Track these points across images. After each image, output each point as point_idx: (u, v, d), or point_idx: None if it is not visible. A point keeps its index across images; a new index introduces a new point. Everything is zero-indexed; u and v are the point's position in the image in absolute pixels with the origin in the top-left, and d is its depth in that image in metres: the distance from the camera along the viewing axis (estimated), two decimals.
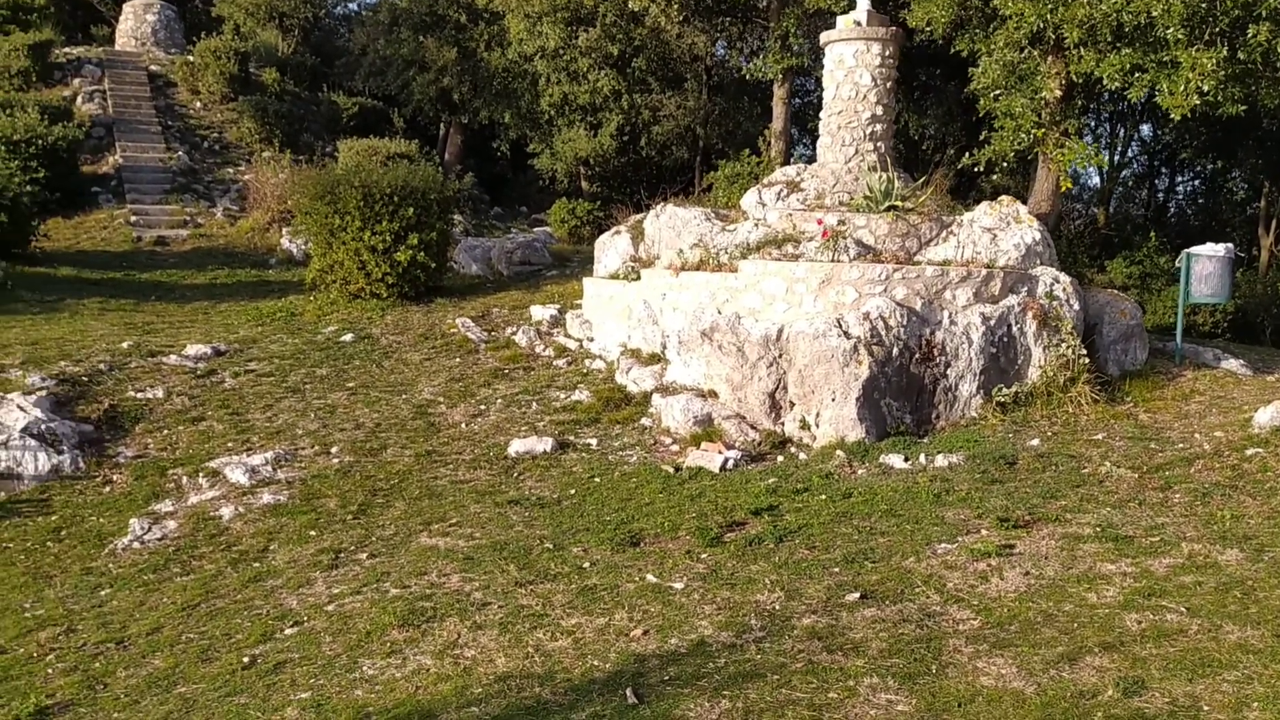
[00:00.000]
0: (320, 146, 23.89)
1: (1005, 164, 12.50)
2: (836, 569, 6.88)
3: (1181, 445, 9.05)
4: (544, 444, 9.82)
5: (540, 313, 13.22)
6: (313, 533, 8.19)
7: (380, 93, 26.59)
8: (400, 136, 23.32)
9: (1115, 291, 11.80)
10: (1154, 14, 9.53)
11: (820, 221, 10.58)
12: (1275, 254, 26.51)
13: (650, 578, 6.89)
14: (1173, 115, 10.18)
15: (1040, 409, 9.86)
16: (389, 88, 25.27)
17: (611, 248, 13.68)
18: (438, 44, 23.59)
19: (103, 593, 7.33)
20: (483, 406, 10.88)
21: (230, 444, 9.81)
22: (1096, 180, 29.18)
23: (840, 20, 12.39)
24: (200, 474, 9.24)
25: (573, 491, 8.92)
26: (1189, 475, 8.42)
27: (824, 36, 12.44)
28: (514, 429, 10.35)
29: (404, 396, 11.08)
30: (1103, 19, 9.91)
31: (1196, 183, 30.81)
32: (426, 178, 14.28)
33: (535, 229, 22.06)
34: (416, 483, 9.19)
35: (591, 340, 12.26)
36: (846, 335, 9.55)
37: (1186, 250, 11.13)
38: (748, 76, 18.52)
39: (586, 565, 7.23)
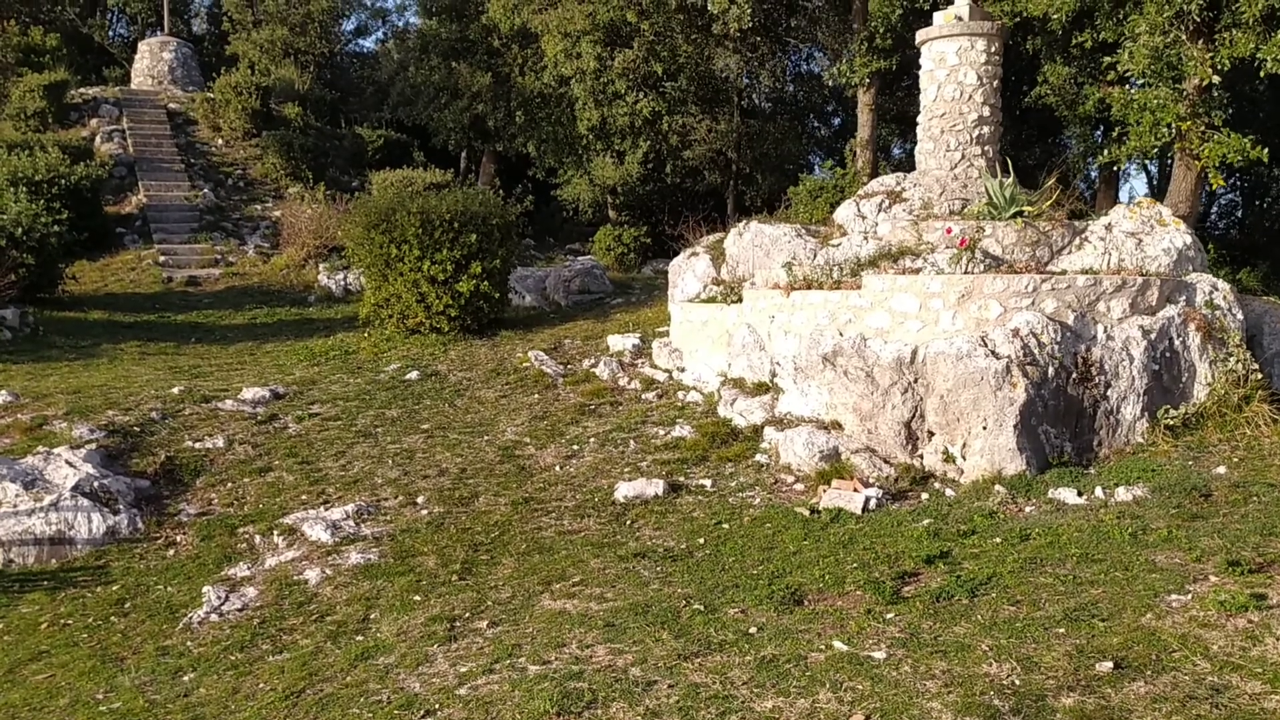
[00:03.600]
0: (347, 181, 23.02)
1: (1144, 159, 11.47)
2: (1061, 630, 5.78)
3: None
4: (654, 487, 8.75)
5: (619, 342, 12.18)
6: (416, 597, 7.10)
7: (409, 122, 25.74)
8: (423, 168, 22.46)
9: (1272, 299, 10.77)
10: None
11: (950, 230, 9.56)
12: None
13: (839, 645, 5.79)
14: None
15: (1213, 431, 8.78)
16: (419, 116, 24.41)
17: (689, 270, 12.68)
18: (470, 70, 22.76)
19: (186, 678, 6.23)
20: (575, 447, 9.82)
21: (304, 496, 8.75)
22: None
23: (938, 16, 11.45)
24: (275, 532, 8.18)
25: (701, 541, 7.84)
26: None
27: (922, 34, 11.49)
28: (615, 470, 9.29)
29: (485, 438, 10.02)
30: None
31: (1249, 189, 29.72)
32: (486, 202, 13.31)
33: (576, 258, 21.12)
34: (519, 535, 8.12)
35: (683, 370, 11.22)
36: (995, 355, 8.49)
37: None
38: (830, 83, 17.57)
39: (753, 630, 6.13)
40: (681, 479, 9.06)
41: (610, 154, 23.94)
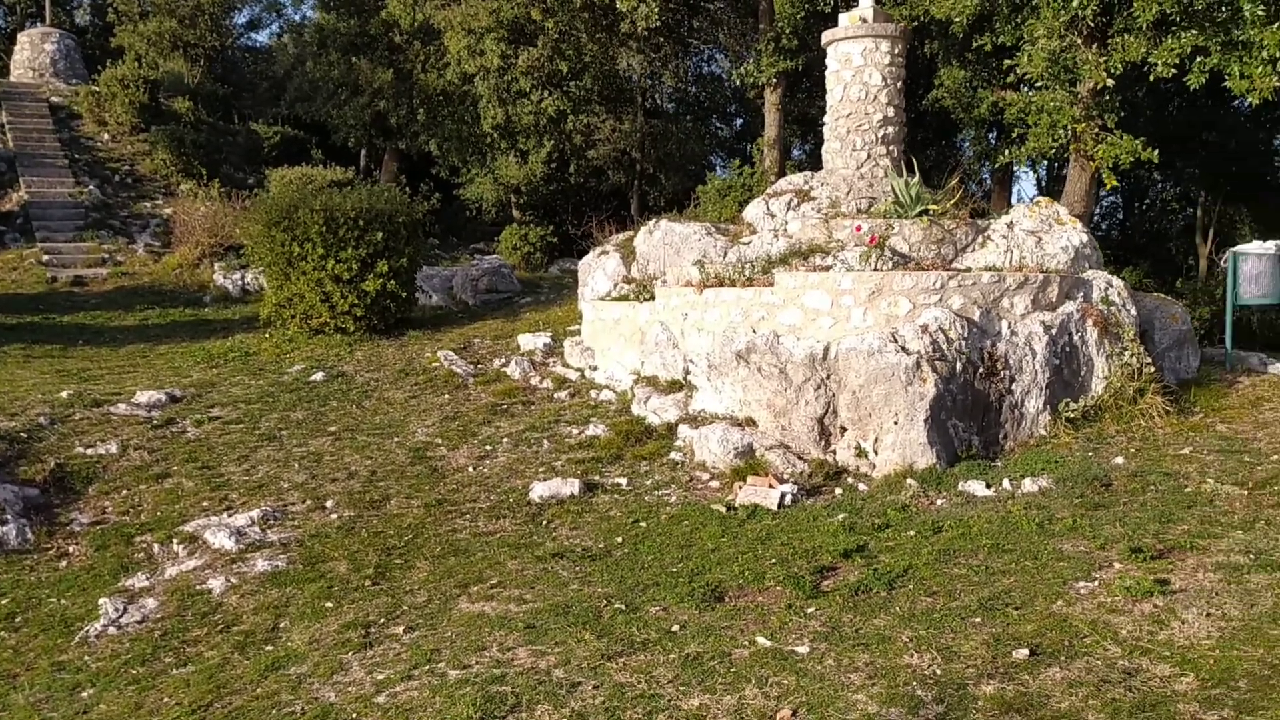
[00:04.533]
0: (243, 178, 22.31)
1: (1042, 160, 11.80)
2: (977, 619, 5.89)
3: (1277, 458, 8.33)
4: (570, 486, 8.67)
5: (530, 341, 12.05)
6: (328, 604, 6.88)
7: (308, 119, 25.10)
8: (323, 166, 21.91)
9: (1162, 295, 11.18)
10: None
11: (859, 228, 9.69)
12: (1214, 261, 26.69)
13: (763, 641, 5.80)
14: (1250, 100, 9.59)
15: (1111, 423, 9.08)
16: (318, 113, 23.82)
17: (599, 269, 12.62)
18: (371, 65, 22.29)
19: (85, 694, 5.92)
20: (488, 447, 9.67)
21: (205, 503, 8.42)
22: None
23: (844, 18, 11.62)
24: (175, 540, 7.84)
25: (619, 539, 7.78)
26: None
27: (828, 35, 11.64)
28: (529, 470, 9.17)
29: (396, 439, 9.80)
30: None
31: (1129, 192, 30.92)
32: (393, 199, 13.03)
33: (482, 258, 20.85)
34: (434, 537, 7.95)
35: (595, 369, 11.15)
36: (905, 351, 8.63)
37: (1234, 249, 10.56)
38: (737, 82, 17.66)
39: (676, 629, 6.10)
40: (597, 478, 8.99)
41: (514, 153, 23.74)
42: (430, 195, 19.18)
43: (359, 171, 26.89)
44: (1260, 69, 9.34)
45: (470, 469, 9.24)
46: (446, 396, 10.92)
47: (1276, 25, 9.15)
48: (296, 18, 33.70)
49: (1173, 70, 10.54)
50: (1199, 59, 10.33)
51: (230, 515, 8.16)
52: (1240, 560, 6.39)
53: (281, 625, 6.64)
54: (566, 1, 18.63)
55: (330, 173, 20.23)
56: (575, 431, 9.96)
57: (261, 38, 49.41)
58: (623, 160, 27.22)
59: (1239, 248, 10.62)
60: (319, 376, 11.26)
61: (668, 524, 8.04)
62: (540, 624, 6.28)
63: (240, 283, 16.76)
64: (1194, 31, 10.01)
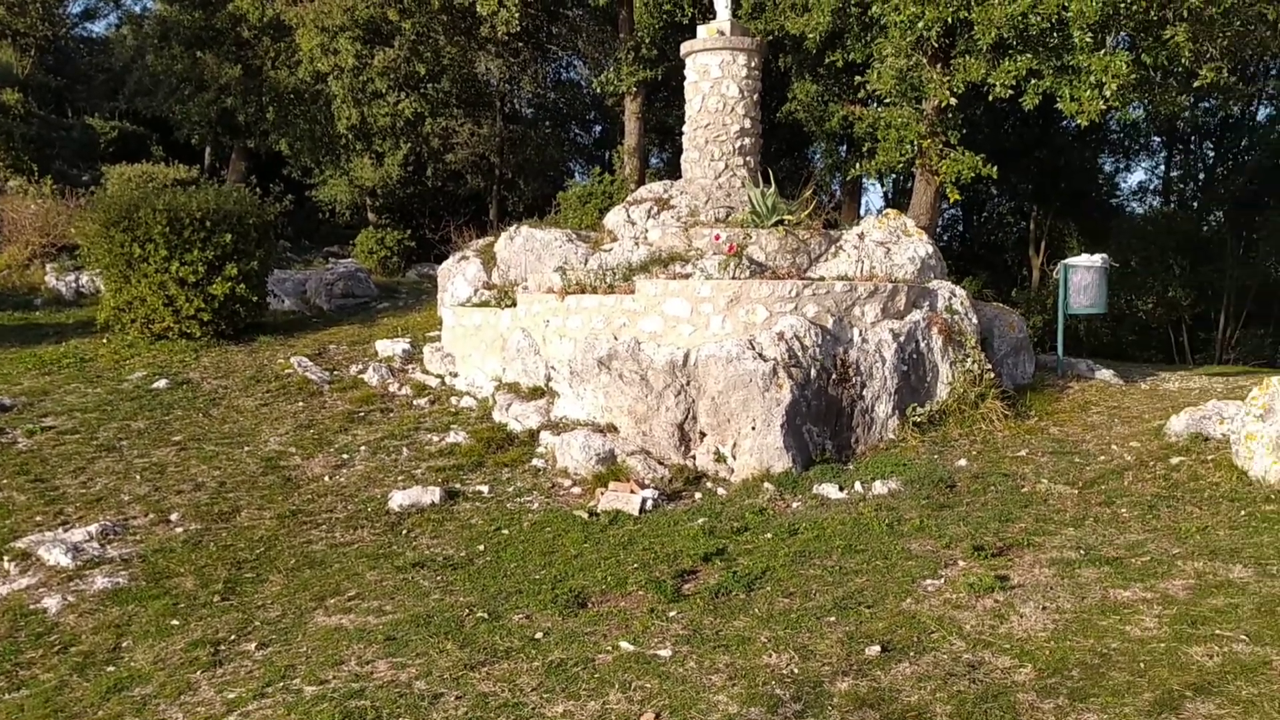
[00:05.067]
0: (77, 175, 21.17)
1: (890, 173, 12.27)
2: (832, 618, 6.08)
3: (1104, 458, 8.87)
4: (430, 494, 8.55)
5: (389, 348, 11.82)
6: (174, 622, 6.60)
7: (148, 114, 24.00)
8: (165, 164, 20.98)
9: (1000, 304, 11.75)
10: (1068, 14, 9.43)
11: (718, 237, 9.87)
12: (1046, 272, 28.23)
13: (626, 645, 5.85)
14: (1078, 122, 10.19)
15: (955, 427, 9.50)
16: (160, 108, 22.81)
17: (459, 274, 12.50)
18: (217, 60, 21.47)
19: None
20: (345, 456, 9.45)
21: (39, 518, 7.97)
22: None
23: (702, 30, 11.82)
24: (5, 557, 7.40)
25: (481, 548, 7.72)
26: (1125, 488, 8.22)
27: (686, 46, 11.83)
28: (388, 479, 9.01)
29: (246, 449, 9.48)
30: (1006, 22, 9.76)
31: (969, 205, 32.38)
32: (242, 200, 12.59)
33: (337, 261, 20.34)
34: (287, 549, 7.72)
35: (456, 375, 11.03)
36: (762, 358, 8.85)
37: (1064, 261, 11.19)
38: (597, 90, 17.71)
39: (539, 636, 6.09)
40: (458, 485, 8.90)
41: (370, 155, 23.27)
42: (282, 197, 18.57)
43: (204, 170, 25.83)
44: (1088, 93, 10.01)
45: (326, 478, 9.01)
46: (301, 404, 10.61)
47: (1103, 52, 9.80)
48: (136, 9, 32.18)
49: (1010, 91, 11.16)
50: (1033, 81, 10.98)
51: (66, 530, 7.74)
52: (1072, 556, 6.79)
53: (124, 645, 6.34)
54: (424, 3, 18.38)
55: (174, 171, 19.42)
56: (436, 439, 9.83)
57: (98, 28, 46.91)
58: (482, 165, 27.00)
59: (1069, 260, 11.28)
60: (162, 384, 10.78)
61: (530, 531, 8.02)
62: (401, 635, 6.18)
63: (75, 285, 15.91)
64: (1029, 55, 10.64)
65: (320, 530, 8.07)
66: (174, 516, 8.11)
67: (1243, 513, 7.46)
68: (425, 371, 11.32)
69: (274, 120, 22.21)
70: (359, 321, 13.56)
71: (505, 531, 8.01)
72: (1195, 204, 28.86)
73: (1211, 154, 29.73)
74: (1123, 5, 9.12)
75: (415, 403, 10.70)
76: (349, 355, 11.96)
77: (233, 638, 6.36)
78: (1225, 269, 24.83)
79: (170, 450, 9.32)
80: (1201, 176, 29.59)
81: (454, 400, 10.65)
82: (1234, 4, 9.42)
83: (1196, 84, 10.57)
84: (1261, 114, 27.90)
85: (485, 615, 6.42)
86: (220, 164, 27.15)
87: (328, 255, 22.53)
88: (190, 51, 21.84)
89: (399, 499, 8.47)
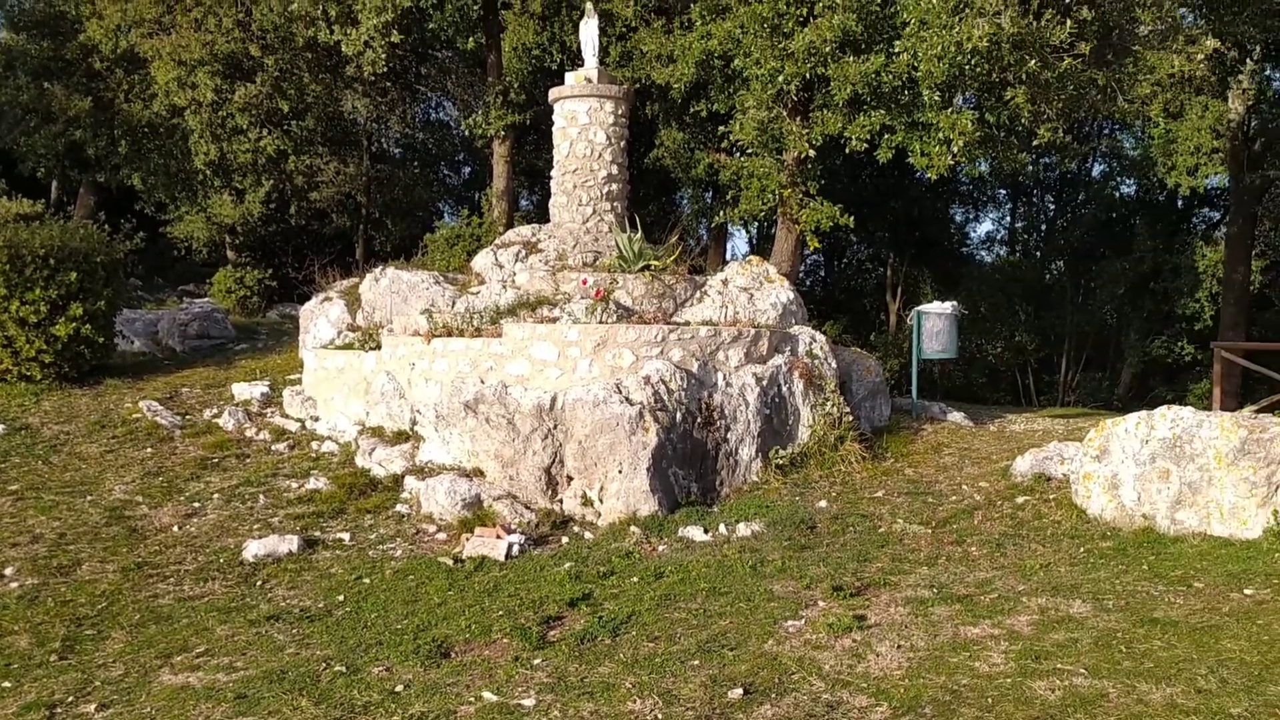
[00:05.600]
0: None
1: (753, 221, 12.59)
2: (696, 661, 6.12)
3: (955, 499, 9.23)
4: (288, 543, 8.28)
5: (246, 391, 11.45)
6: (6, 684, 6.20)
7: None
8: (5, 197, 19.93)
9: (859, 349, 12.12)
10: (917, 74, 9.91)
11: (585, 282, 9.94)
12: (902, 318, 29.31)
13: (489, 695, 5.76)
14: (929, 175, 10.66)
15: (815, 469, 9.74)
16: (2, 140, 21.68)
17: (322, 315, 12.24)
18: (66, 92, 20.56)
19: None
20: (196, 504, 9.08)
21: None
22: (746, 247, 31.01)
23: (570, 76, 11.98)
24: None
25: (341, 598, 7.51)
26: (975, 527, 8.56)
27: (555, 92, 11.96)
28: (243, 528, 8.69)
29: (89, 498, 9.02)
30: (860, 79, 10.19)
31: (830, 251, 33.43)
32: (89, 237, 12.06)
33: (193, 301, 19.62)
34: (131, 604, 7.35)
35: (317, 420, 10.75)
36: (629, 401, 8.91)
37: (918, 309, 11.66)
38: (465, 132, 17.63)
39: (399, 688, 5.94)
40: (318, 533, 8.65)
41: (230, 191, 22.61)
42: (134, 233, 17.88)
43: (50, 205, 24.62)
44: (937, 148, 10.54)
45: (176, 528, 8.64)
46: (149, 450, 10.17)
47: (950, 110, 10.35)
48: None
49: (865, 144, 11.66)
50: (887, 135, 11.50)
51: None
52: (925, 594, 7.02)
53: None
54: (288, 40, 18.05)
55: (16, 205, 18.40)
56: (295, 485, 9.55)
57: None
58: (348, 204, 26.55)
59: (922, 307, 11.77)
60: None
61: (393, 579, 7.85)
62: (252, 693, 5.94)
63: None
64: (882, 111, 11.14)
65: (168, 583, 7.72)
66: (8, 571, 7.65)
67: (1082, 549, 7.86)
68: (285, 416, 11.00)
69: (126, 154, 21.37)
70: (215, 364, 13.11)
71: (366, 580, 7.82)
72: (1039, 253, 30.54)
73: (1053, 207, 31.57)
74: (967, 67, 9.69)
75: (274, 448, 10.38)
76: (203, 399, 11.54)
77: (70, 699, 6.01)
78: (1065, 315, 26.31)
79: (5, 500, 8.80)
80: (1044, 228, 31.36)
81: (315, 445, 10.37)
82: (1067, 69, 10.11)
83: (1035, 142, 11.26)
84: (1096, 170, 29.83)
85: (343, 669, 6.24)
86: (68, 199, 25.93)
87: (183, 294, 21.72)
88: (38, 82, 20.88)
89: (254, 549, 8.18)
